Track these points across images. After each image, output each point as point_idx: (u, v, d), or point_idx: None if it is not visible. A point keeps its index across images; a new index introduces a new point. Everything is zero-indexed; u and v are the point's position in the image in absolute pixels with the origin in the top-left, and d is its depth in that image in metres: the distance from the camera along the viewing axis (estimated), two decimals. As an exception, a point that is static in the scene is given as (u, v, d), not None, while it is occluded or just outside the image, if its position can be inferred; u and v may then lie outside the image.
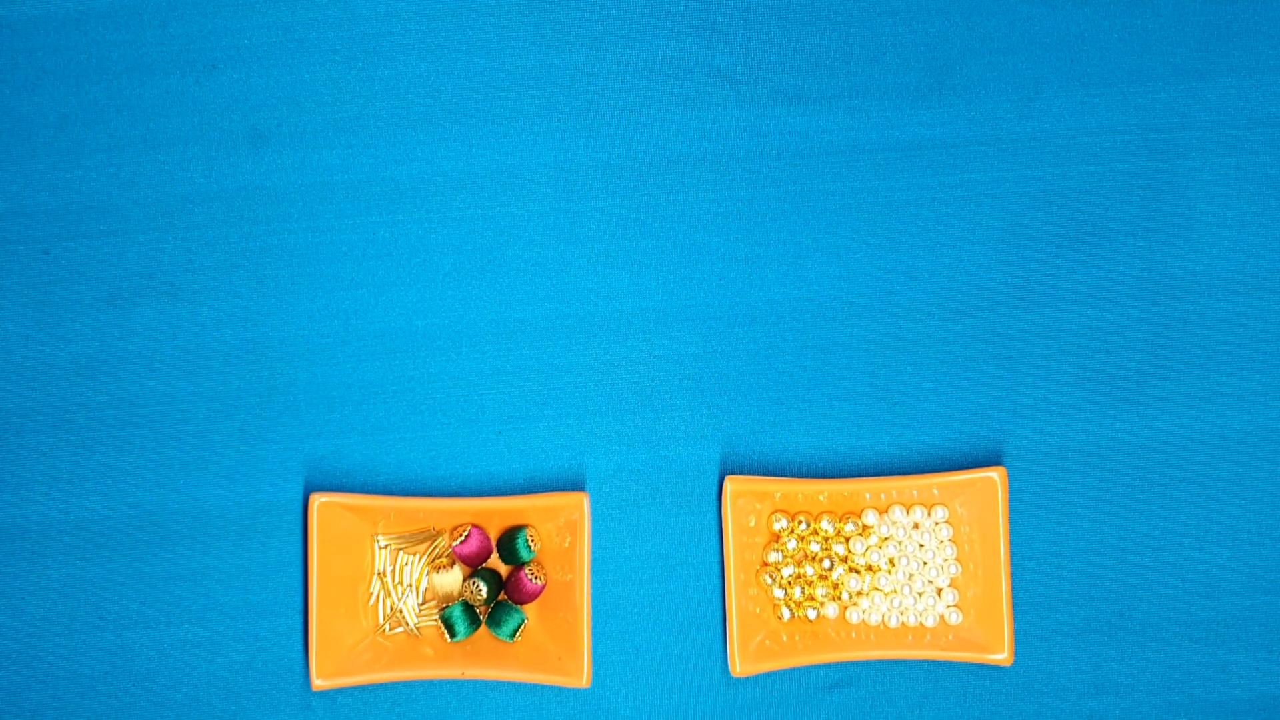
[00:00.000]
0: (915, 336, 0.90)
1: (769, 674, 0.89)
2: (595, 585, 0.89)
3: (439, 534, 0.89)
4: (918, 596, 0.89)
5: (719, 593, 0.90)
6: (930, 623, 0.89)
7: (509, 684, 0.89)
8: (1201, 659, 0.91)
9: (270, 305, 0.89)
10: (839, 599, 0.89)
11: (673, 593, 0.90)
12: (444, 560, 0.88)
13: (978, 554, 0.89)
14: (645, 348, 0.89)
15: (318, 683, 0.86)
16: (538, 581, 0.88)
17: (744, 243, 0.90)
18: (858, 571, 0.89)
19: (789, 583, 0.89)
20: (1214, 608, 0.91)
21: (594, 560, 0.89)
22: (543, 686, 0.89)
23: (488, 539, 0.89)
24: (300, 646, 0.89)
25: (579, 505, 0.87)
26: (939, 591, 0.89)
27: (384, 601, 0.88)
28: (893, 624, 0.89)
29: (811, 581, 0.89)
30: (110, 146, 0.88)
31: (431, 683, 0.89)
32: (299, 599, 0.89)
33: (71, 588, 0.88)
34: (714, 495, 0.90)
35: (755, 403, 0.90)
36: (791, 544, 0.89)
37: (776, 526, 0.89)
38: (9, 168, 0.88)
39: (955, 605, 0.89)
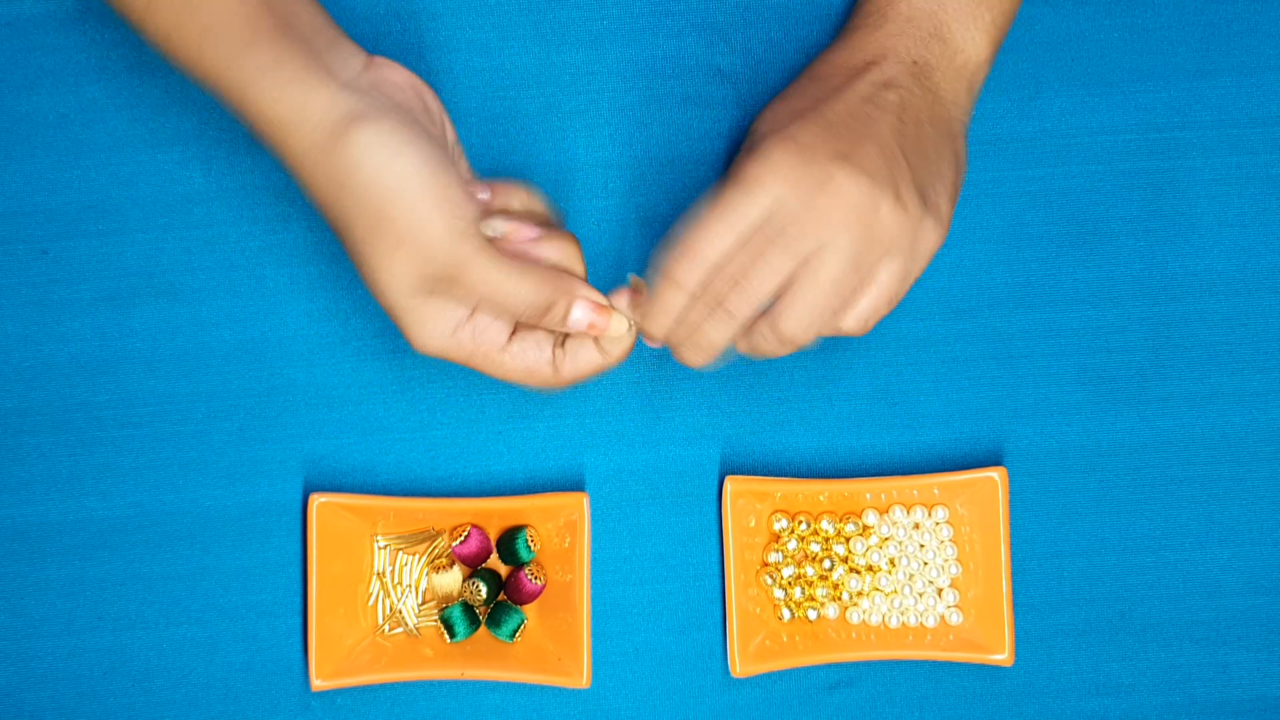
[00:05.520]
0: (915, 336, 0.90)
1: (769, 674, 0.89)
2: (595, 585, 0.89)
3: (438, 534, 0.89)
4: (918, 597, 0.89)
5: (719, 593, 0.89)
6: (931, 623, 0.89)
7: (509, 684, 0.89)
8: (1203, 659, 0.91)
9: (270, 305, 0.89)
10: (839, 599, 0.89)
11: (673, 593, 0.90)
12: (443, 560, 0.88)
13: (978, 554, 0.89)
14: (645, 347, 0.89)
15: (317, 683, 0.86)
16: (537, 582, 0.88)
17: (744, 243, 0.90)
18: (858, 572, 0.89)
19: (789, 583, 0.89)
20: (1215, 608, 0.91)
21: (594, 560, 0.89)
22: (543, 687, 0.89)
23: (487, 539, 0.89)
24: (299, 647, 0.89)
25: (579, 505, 0.87)
26: (939, 592, 0.89)
27: (383, 602, 0.88)
28: (893, 624, 0.89)
29: (812, 582, 0.89)
30: (110, 146, 0.88)
31: (431, 683, 0.89)
32: (298, 599, 0.89)
33: (70, 588, 0.88)
34: (714, 495, 0.90)
35: (755, 403, 0.90)
36: (792, 544, 0.89)
37: (777, 527, 0.89)
38: (8, 168, 0.88)
39: (956, 605, 0.89)
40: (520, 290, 0.77)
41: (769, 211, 0.76)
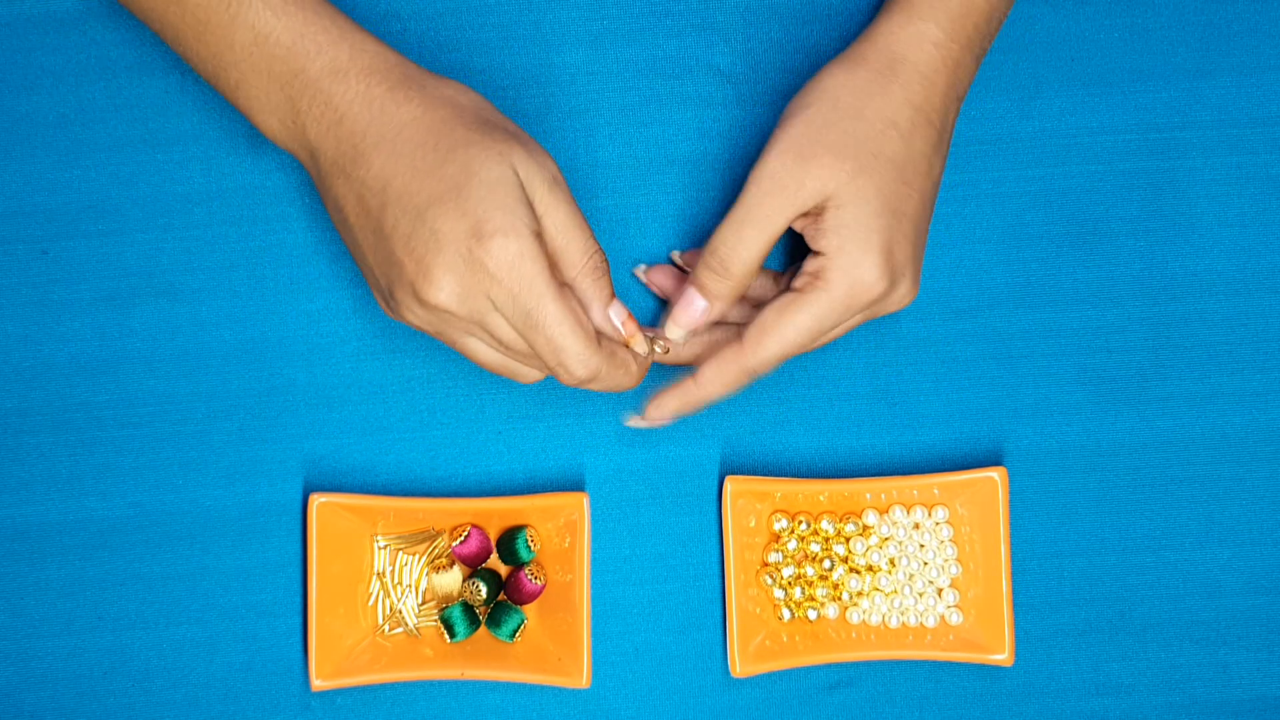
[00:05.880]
0: (915, 336, 0.90)
1: (769, 674, 0.89)
2: (595, 585, 0.89)
3: (438, 534, 0.89)
4: (918, 597, 0.89)
5: (719, 593, 0.89)
6: (931, 623, 0.89)
7: (509, 684, 0.89)
8: (1203, 659, 0.91)
9: (269, 305, 0.89)
10: (839, 599, 0.89)
11: (673, 593, 0.90)
12: (443, 560, 0.88)
13: (978, 554, 0.89)
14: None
15: (317, 683, 0.86)
16: (537, 582, 0.88)
17: (744, 243, 0.90)
18: (858, 572, 0.89)
19: (789, 583, 0.89)
20: (1215, 608, 0.91)
21: (594, 560, 0.89)
22: (543, 687, 0.89)
23: (487, 539, 0.89)
24: (299, 647, 0.89)
25: (579, 505, 0.87)
26: (939, 592, 0.89)
27: (383, 602, 0.88)
28: (893, 624, 0.89)
29: (812, 582, 0.89)
30: (110, 146, 0.88)
31: (431, 683, 0.89)
32: (298, 599, 0.89)
33: (70, 588, 0.88)
34: (714, 495, 0.90)
35: (755, 403, 0.90)
36: (792, 544, 0.89)
37: (777, 527, 0.89)
38: (8, 168, 0.88)
39: (956, 605, 0.89)
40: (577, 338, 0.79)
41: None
